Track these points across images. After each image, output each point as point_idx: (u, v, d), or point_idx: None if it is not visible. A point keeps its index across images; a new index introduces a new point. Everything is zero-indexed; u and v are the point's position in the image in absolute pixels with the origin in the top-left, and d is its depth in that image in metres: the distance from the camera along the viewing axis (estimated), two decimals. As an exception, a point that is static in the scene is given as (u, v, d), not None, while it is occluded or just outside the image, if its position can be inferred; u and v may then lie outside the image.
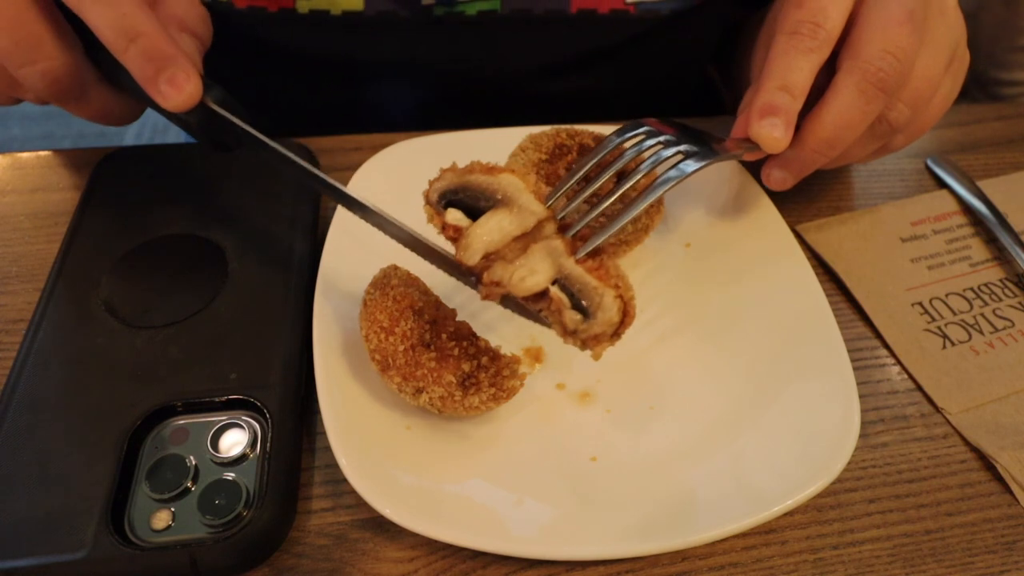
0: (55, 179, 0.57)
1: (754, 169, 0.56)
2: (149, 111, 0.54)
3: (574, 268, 0.38)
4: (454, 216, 0.40)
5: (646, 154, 0.43)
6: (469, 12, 0.60)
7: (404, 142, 0.57)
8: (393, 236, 0.43)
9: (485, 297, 0.39)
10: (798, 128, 0.46)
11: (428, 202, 0.41)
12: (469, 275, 0.40)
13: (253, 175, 0.55)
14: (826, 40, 0.45)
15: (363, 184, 0.52)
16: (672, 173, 0.42)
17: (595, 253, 0.39)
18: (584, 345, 0.38)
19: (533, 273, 0.38)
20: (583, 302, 0.38)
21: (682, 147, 0.43)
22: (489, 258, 0.39)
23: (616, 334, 0.38)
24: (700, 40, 0.72)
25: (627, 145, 0.43)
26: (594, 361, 0.39)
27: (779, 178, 0.50)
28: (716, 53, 0.75)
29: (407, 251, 0.43)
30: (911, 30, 0.45)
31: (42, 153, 0.59)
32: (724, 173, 0.57)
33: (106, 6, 0.41)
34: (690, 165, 0.42)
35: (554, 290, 0.38)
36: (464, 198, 0.40)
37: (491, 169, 0.40)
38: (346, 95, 0.69)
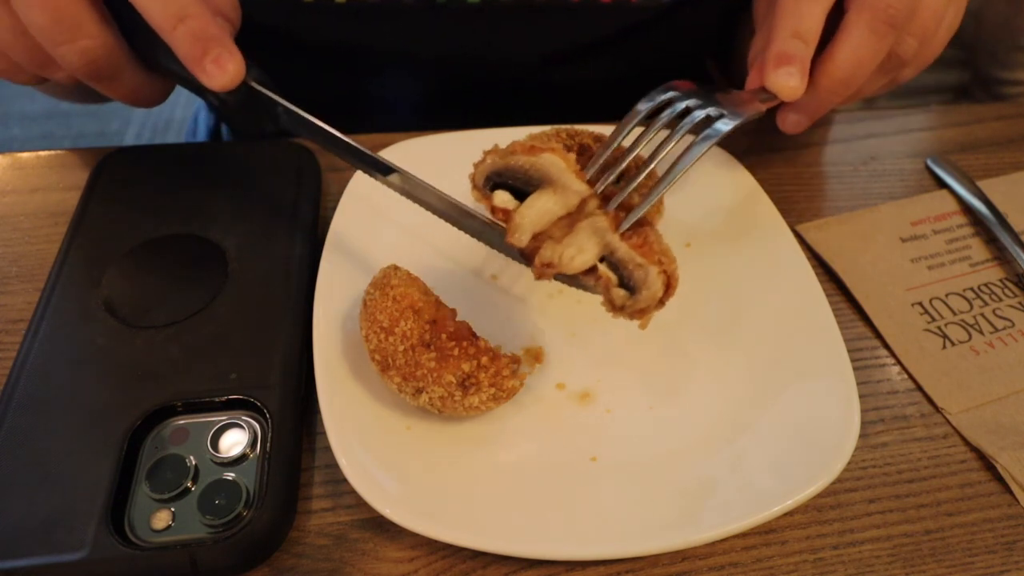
0: (55, 179, 0.57)
1: (754, 168, 0.56)
2: (176, 93, 0.54)
3: (619, 245, 0.40)
4: (502, 199, 0.42)
5: (676, 120, 0.44)
6: (472, 0, 0.61)
7: (404, 142, 0.57)
8: (439, 214, 0.45)
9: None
10: (811, 71, 0.46)
11: (475, 186, 0.43)
12: (520, 255, 0.42)
13: (253, 175, 0.55)
14: None
15: (364, 183, 0.52)
16: (706, 134, 0.43)
17: (639, 224, 0.41)
18: (631, 317, 0.40)
19: (581, 252, 0.40)
20: (628, 278, 0.40)
21: (710, 110, 0.44)
22: (538, 238, 0.41)
23: (661, 303, 0.40)
24: (700, 30, 0.72)
25: (658, 109, 0.45)
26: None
27: (794, 121, 0.51)
28: (715, 45, 0.75)
29: (407, 251, 0.43)
30: None
31: (42, 153, 0.59)
32: (723, 172, 0.57)
33: None
34: (723, 125, 0.43)
35: (602, 268, 0.40)
36: (508, 179, 0.42)
37: (532, 149, 0.42)
38: (349, 86, 0.69)
